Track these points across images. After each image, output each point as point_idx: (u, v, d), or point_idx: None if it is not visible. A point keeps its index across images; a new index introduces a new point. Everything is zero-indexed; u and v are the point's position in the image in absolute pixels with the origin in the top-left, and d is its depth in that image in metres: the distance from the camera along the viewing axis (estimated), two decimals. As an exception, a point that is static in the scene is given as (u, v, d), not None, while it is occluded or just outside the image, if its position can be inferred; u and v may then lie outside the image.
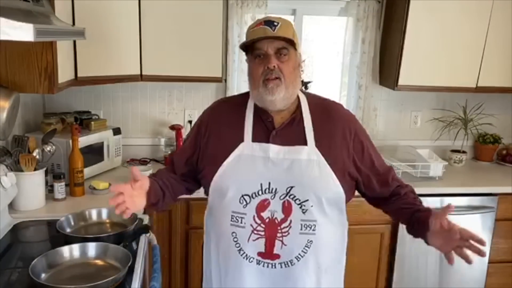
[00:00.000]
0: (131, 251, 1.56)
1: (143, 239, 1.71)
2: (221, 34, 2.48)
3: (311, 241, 1.40)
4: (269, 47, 1.36)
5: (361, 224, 2.53)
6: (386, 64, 2.88)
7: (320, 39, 3.03)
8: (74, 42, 2.11)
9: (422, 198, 2.51)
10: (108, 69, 2.30)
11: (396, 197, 1.54)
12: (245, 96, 1.51)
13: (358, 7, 2.81)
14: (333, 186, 1.40)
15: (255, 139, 1.41)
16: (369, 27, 2.83)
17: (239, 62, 2.76)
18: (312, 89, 2.89)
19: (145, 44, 2.39)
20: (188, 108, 2.87)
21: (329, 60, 3.07)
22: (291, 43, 1.38)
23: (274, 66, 1.35)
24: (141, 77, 2.44)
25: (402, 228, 2.57)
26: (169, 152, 2.76)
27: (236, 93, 2.73)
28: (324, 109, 1.49)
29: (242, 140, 1.41)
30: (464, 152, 3.07)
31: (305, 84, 2.90)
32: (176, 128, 2.73)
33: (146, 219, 1.93)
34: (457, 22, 2.64)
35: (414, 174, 2.71)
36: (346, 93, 3.00)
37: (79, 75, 2.17)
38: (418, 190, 2.53)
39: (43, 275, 1.40)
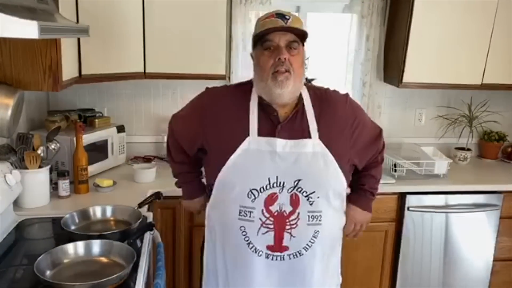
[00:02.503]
0: (136, 248, 1.56)
1: (147, 236, 1.72)
2: (225, 31, 2.48)
3: (317, 231, 1.44)
4: (281, 39, 1.36)
5: (365, 221, 2.53)
6: (391, 61, 2.86)
7: (324, 36, 3.02)
8: (78, 39, 2.11)
9: (427, 196, 2.55)
10: (112, 66, 2.30)
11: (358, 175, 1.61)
12: (247, 87, 1.49)
13: (362, 4, 2.80)
14: (337, 177, 1.44)
15: (260, 133, 1.41)
16: (374, 24, 2.82)
17: (243, 59, 2.75)
18: (316, 87, 2.89)
19: (149, 41, 2.39)
20: (192, 105, 2.86)
21: (333, 57, 3.05)
22: (301, 38, 1.39)
23: (285, 58, 1.35)
24: (145, 75, 2.44)
25: (406, 225, 2.57)
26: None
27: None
28: (324, 99, 1.50)
29: (247, 134, 1.41)
30: (469, 149, 3.06)
31: (309, 81, 2.89)
32: (180, 126, 2.73)
33: (150, 217, 1.94)
34: (462, 19, 2.63)
35: (418, 172, 2.70)
36: (350, 90, 2.98)
37: (83, 72, 2.17)
38: (422, 188, 2.56)
39: (47, 272, 1.40)
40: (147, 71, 2.43)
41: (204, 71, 2.48)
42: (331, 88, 1.57)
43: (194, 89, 2.82)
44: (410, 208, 2.55)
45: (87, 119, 2.52)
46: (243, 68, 2.76)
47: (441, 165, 2.68)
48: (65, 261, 1.48)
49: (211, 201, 1.53)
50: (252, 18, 2.70)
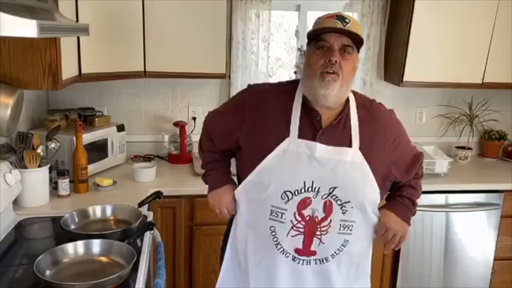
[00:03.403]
0: (136, 248, 1.56)
1: (147, 236, 1.71)
2: (225, 30, 2.47)
3: (347, 240, 1.43)
4: (335, 42, 1.34)
5: (366, 221, 2.53)
6: (391, 60, 2.86)
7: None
8: (78, 38, 2.11)
9: (427, 195, 2.54)
10: (112, 65, 2.29)
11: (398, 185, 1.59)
12: (292, 87, 1.47)
13: (363, 3, 2.79)
14: (372, 189, 1.42)
15: (301, 135, 1.39)
16: (374, 23, 2.81)
17: (243, 58, 2.74)
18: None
19: (149, 40, 2.38)
20: (192, 104, 2.87)
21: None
22: (357, 44, 1.37)
23: (336, 61, 1.33)
24: (145, 74, 2.43)
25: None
26: (173, 149, 2.76)
27: (240, 89, 2.73)
28: (369, 110, 1.48)
29: (287, 135, 1.39)
30: (469, 148, 3.05)
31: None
32: (180, 125, 2.72)
33: (150, 216, 1.93)
34: (463, 18, 2.62)
35: (419, 170, 2.69)
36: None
37: (83, 71, 2.17)
38: (423, 187, 2.52)
39: (47, 272, 1.40)
40: (147, 70, 2.43)
41: (204, 70, 2.48)
42: (377, 101, 1.55)
43: (194, 88, 2.85)
44: (411, 207, 2.54)
45: (87, 118, 2.51)
46: (243, 67, 2.76)
47: (442, 164, 2.68)
48: (65, 260, 1.48)
49: (241, 195, 1.48)
50: (252, 17, 2.69)
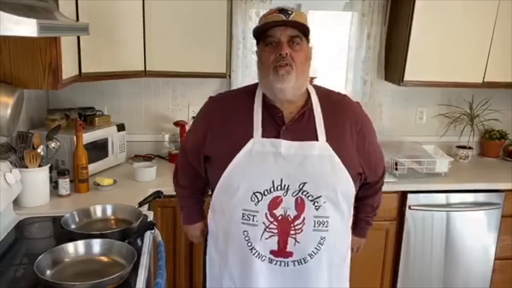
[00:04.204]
0: (136, 247, 1.55)
1: (147, 235, 1.71)
2: (225, 29, 2.47)
3: (324, 237, 1.39)
4: (282, 35, 1.33)
5: (366, 220, 2.52)
6: (392, 60, 2.86)
7: (325, 35, 3.01)
8: (78, 38, 2.11)
9: (428, 195, 2.55)
10: (112, 65, 2.29)
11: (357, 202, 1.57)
12: (252, 88, 1.47)
13: (363, 2, 2.79)
14: (345, 181, 1.39)
15: (265, 134, 1.38)
16: (375, 22, 2.81)
17: (244, 57, 2.74)
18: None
19: (149, 39, 2.38)
20: (192, 104, 2.86)
21: (334, 55, 3.05)
22: (304, 33, 1.35)
23: (286, 54, 1.32)
24: (145, 73, 2.43)
25: (407, 224, 2.57)
26: (173, 148, 2.75)
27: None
28: (333, 102, 1.47)
29: (251, 136, 1.38)
30: (470, 148, 3.05)
31: (310, 80, 2.88)
32: (180, 124, 2.72)
33: (150, 216, 1.93)
34: (464, 17, 2.62)
35: (419, 170, 2.69)
36: (351, 88, 2.97)
37: (83, 71, 2.16)
38: (423, 187, 2.56)
39: (48, 272, 1.40)
40: (147, 69, 2.42)
41: (205, 69, 2.48)
42: (342, 92, 1.55)
43: (194, 88, 2.85)
44: (411, 207, 2.54)
45: (87, 117, 2.51)
46: (243, 67, 2.76)
47: (442, 164, 2.68)
48: (66, 260, 1.48)
49: (212, 206, 1.50)
50: (253, 16, 2.69)
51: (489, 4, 2.62)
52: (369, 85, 2.91)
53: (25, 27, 1.17)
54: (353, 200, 1.47)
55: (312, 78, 2.84)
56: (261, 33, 1.37)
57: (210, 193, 1.55)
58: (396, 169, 2.64)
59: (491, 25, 2.66)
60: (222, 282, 1.50)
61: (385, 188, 2.46)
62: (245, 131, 1.39)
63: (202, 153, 1.48)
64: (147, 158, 2.76)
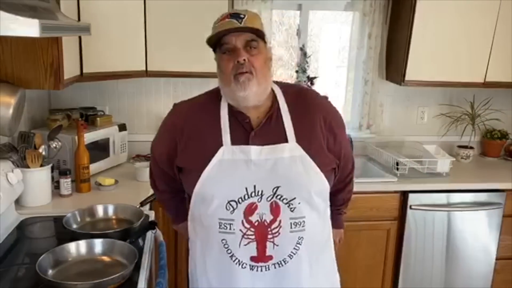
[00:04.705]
0: (138, 247, 1.55)
1: (149, 235, 1.71)
2: (226, 29, 2.46)
3: (301, 237, 1.38)
4: (237, 41, 1.30)
5: (367, 220, 2.53)
6: (393, 59, 2.86)
7: (326, 34, 3.02)
8: (80, 38, 2.11)
9: (429, 194, 2.54)
10: (114, 65, 2.29)
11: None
12: (216, 95, 1.44)
13: (364, 2, 2.79)
14: (318, 180, 1.38)
15: (234, 142, 1.35)
16: (376, 22, 2.81)
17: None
18: (317, 85, 2.88)
19: (150, 39, 2.39)
20: (193, 104, 2.86)
21: (335, 55, 3.05)
22: (260, 36, 1.32)
23: (244, 60, 1.29)
24: (146, 73, 2.43)
25: (408, 224, 2.57)
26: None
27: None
28: (300, 99, 1.44)
29: (221, 145, 1.35)
30: (471, 147, 3.05)
31: (311, 80, 2.88)
32: (181, 124, 2.72)
33: (152, 216, 1.93)
34: (465, 17, 2.62)
35: (421, 170, 2.69)
36: (352, 88, 2.98)
37: (84, 71, 2.17)
38: (425, 186, 2.56)
39: (50, 271, 1.40)
40: (148, 69, 2.43)
41: (206, 69, 2.46)
42: (306, 87, 1.52)
43: (195, 88, 2.84)
44: (412, 207, 2.54)
45: (89, 117, 2.51)
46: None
47: (444, 163, 2.68)
48: (67, 260, 1.48)
49: (190, 215, 1.48)
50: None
51: (490, 4, 2.62)
52: (370, 84, 2.91)
53: (27, 27, 1.17)
54: (328, 195, 1.45)
55: (313, 78, 2.85)
56: (217, 40, 1.34)
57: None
58: (397, 169, 2.64)
59: (493, 24, 2.66)
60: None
61: (386, 188, 2.51)
62: (214, 140, 1.36)
63: (175, 163, 1.46)
64: (149, 158, 2.75)
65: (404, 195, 2.55)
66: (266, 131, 1.37)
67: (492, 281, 2.75)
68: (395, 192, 2.55)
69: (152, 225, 1.73)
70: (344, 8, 2.90)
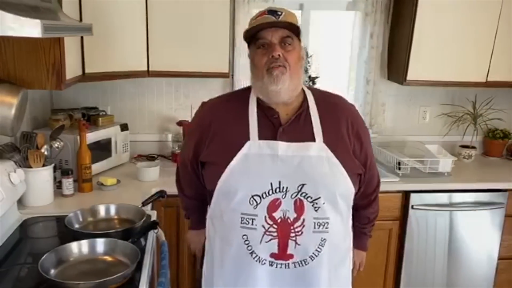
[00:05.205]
0: (140, 247, 1.56)
1: (151, 235, 1.71)
2: (228, 29, 2.47)
3: (324, 239, 1.37)
4: (273, 36, 1.32)
5: (369, 220, 2.52)
6: (395, 59, 2.85)
7: (328, 34, 3.01)
8: (82, 38, 2.11)
9: (431, 194, 2.54)
10: (115, 65, 2.30)
11: (353, 212, 1.53)
12: (245, 92, 1.46)
13: (366, 2, 2.78)
14: (343, 182, 1.38)
15: (261, 136, 1.36)
16: (377, 22, 2.81)
17: (246, 57, 2.73)
18: (319, 84, 2.88)
19: (152, 39, 2.39)
20: (195, 104, 2.84)
21: (336, 55, 3.05)
22: (296, 32, 1.34)
23: (279, 55, 1.31)
24: (148, 73, 2.44)
25: (410, 224, 2.56)
26: (176, 148, 2.76)
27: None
28: (329, 103, 1.46)
29: (248, 139, 1.36)
30: (473, 147, 3.04)
31: (312, 79, 2.88)
32: (183, 124, 2.73)
33: (154, 215, 1.94)
34: (467, 16, 2.61)
35: (423, 170, 2.69)
36: (354, 88, 2.98)
37: (86, 71, 2.17)
38: (427, 186, 2.55)
39: (52, 271, 1.41)
40: (150, 69, 2.43)
41: (207, 69, 2.48)
42: (338, 94, 1.53)
43: (197, 88, 2.85)
44: (414, 206, 2.54)
45: (91, 117, 2.52)
46: (246, 67, 2.75)
47: (446, 163, 2.67)
48: (70, 259, 1.48)
49: (211, 212, 1.48)
50: (256, 16, 2.69)
51: (492, 4, 2.61)
52: (372, 84, 2.90)
53: (29, 27, 1.17)
54: (352, 200, 1.45)
55: (314, 78, 2.85)
56: (252, 36, 1.35)
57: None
58: (399, 168, 2.64)
59: (494, 24, 2.65)
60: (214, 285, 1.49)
61: (388, 187, 2.51)
62: (240, 134, 1.37)
63: (199, 160, 1.47)
64: (150, 157, 2.77)
65: (406, 194, 2.55)
66: (294, 128, 1.38)
67: (494, 281, 2.74)
68: (397, 192, 2.54)
69: (154, 225, 1.73)
70: (346, 7, 2.90)
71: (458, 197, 2.59)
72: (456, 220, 2.61)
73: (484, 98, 3.03)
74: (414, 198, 2.53)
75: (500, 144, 3.13)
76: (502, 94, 3.06)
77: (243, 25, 2.69)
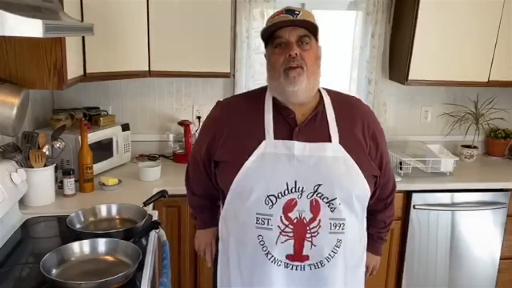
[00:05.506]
0: (141, 247, 1.56)
1: (152, 235, 1.72)
2: (229, 29, 2.47)
3: (340, 240, 1.36)
4: (290, 35, 1.31)
5: (371, 220, 2.52)
6: (396, 59, 2.85)
7: (329, 34, 3.00)
8: (83, 38, 2.11)
9: (433, 194, 2.54)
10: (117, 65, 2.30)
11: (369, 216, 1.52)
12: (260, 92, 1.45)
13: (367, 2, 2.78)
14: (360, 183, 1.37)
15: (277, 136, 1.35)
16: (379, 21, 2.80)
17: (248, 57, 2.74)
18: (320, 84, 2.87)
19: (153, 39, 2.39)
20: (196, 103, 2.87)
21: (338, 54, 3.04)
22: (313, 32, 1.34)
23: (296, 54, 1.30)
24: (149, 73, 2.44)
25: (412, 224, 2.56)
26: (178, 148, 2.76)
27: (244, 89, 2.73)
28: (345, 104, 1.45)
29: (263, 138, 1.35)
30: (475, 147, 3.04)
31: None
32: (184, 124, 2.73)
33: (155, 215, 1.94)
34: (469, 15, 2.61)
35: (424, 169, 2.68)
36: (356, 88, 2.97)
37: (88, 71, 2.17)
38: (429, 186, 2.55)
39: (53, 271, 1.41)
40: (151, 69, 2.43)
41: (209, 69, 2.48)
42: (354, 95, 1.54)
43: (198, 88, 2.85)
44: (416, 206, 2.54)
45: (92, 117, 2.52)
46: (247, 66, 2.76)
47: (447, 163, 2.67)
48: (71, 259, 1.48)
49: (224, 213, 1.46)
50: (257, 15, 2.69)
51: (494, 3, 2.60)
52: (374, 84, 2.90)
53: (30, 27, 1.17)
54: (367, 202, 1.43)
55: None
56: (269, 35, 1.35)
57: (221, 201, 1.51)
58: (401, 168, 2.63)
59: (496, 23, 2.64)
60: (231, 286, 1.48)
61: (389, 187, 2.50)
62: (256, 133, 1.36)
63: (213, 159, 1.46)
64: (152, 157, 2.77)
65: (408, 194, 2.55)
66: (310, 128, 1.37)
67: (496, 281, 2.74)
68: (399, 191, 2.52)
69: (155, 225, 1.73)
70: (347, 7, 2.90)
71: (460, 197, 2.59)
72: (458, 220, 2.61)
73: (486, 98, 3.03)
74: (416, 198, 2.53)
75: (502, 143, 3.13)
76: (504, 93, 3.05)
77: (244, 24, 2.69)
